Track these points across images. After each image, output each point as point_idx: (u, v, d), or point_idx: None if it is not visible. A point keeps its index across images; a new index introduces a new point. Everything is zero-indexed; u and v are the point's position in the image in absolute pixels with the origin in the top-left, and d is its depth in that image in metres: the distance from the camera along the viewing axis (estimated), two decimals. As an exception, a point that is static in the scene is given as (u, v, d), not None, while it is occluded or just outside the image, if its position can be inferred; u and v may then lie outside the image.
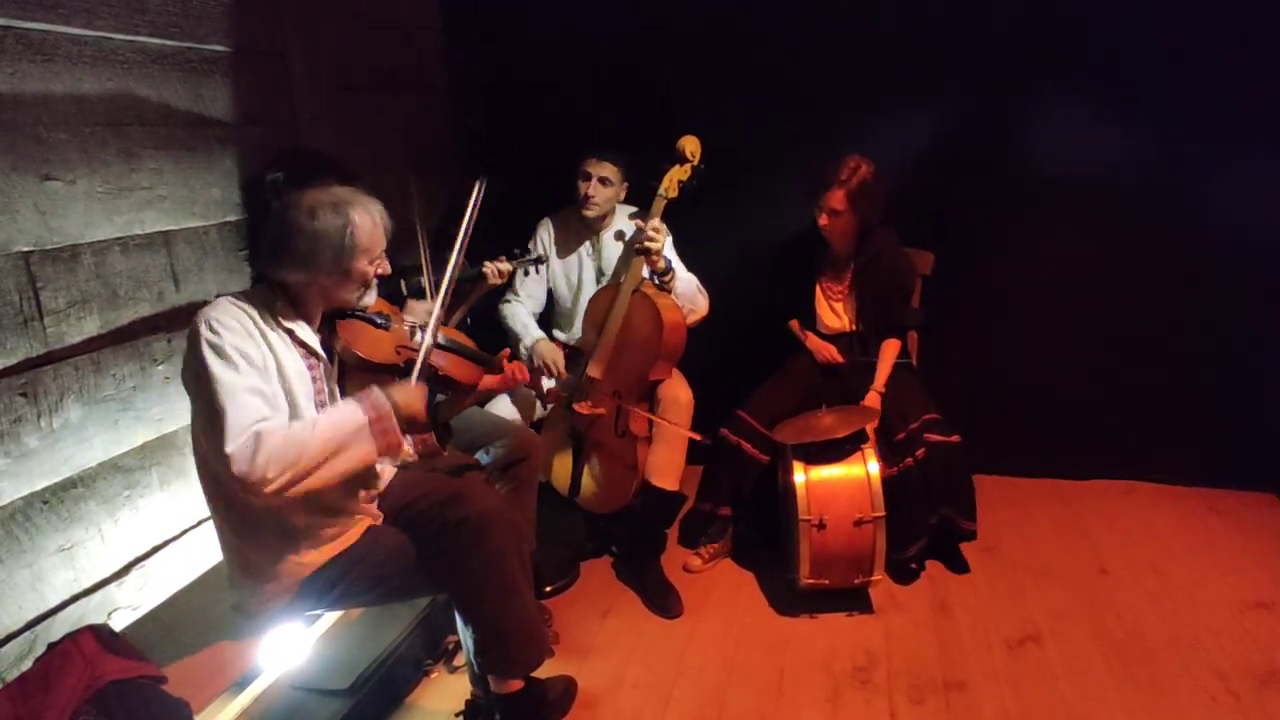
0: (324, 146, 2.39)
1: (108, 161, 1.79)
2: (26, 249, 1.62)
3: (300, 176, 1.89)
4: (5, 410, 1.59)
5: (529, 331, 2.68)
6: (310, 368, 1.66)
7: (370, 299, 1.73)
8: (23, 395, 1.62)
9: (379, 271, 1.68)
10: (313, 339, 1.67)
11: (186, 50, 1.99)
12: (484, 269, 2.44)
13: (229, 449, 1.43)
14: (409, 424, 1.63)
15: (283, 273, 1.61)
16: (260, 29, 2.23)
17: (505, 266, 2.48)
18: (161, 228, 1.93)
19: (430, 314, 1.75)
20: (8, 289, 1.59)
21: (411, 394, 1.65)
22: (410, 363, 1.76)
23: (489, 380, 1.98)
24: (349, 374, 1.77)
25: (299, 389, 1.61)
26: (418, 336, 1.82)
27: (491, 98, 3.22)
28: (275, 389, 1.57)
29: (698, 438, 2.46)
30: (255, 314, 1.58)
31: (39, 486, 1.66)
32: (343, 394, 1.75)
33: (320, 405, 1.66)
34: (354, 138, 2.63)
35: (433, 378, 1.78)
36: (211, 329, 1.50)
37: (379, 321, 1.76)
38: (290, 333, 1.63)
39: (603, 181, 2.57)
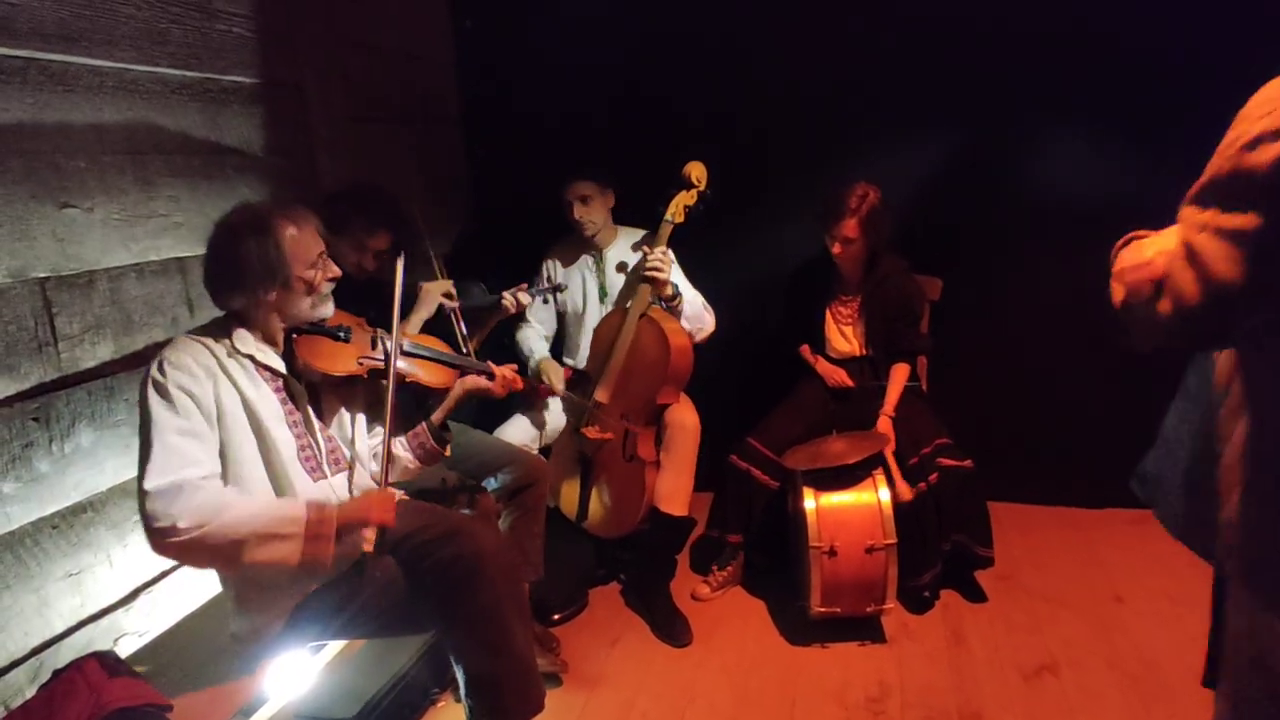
0: (345, 178, 2.45)
1: (125, 189, 1.82)
2: (43, 275, 1.64)
3: (366, 208, 2.10)
4: (17, 435, 1.60)
5: (534, 353, 2.73)
6: (276, 390, 1.65)
7: (328, 310, 1.71)
8: (35, 420, 1.63)
9: (328, 276, 1.67)
10: (274, 359, 1.66)
11: (205, 81, 2.03)
12: (501, 298, 2.47)
13: (148, 485, 1.43)
14: (361, 526, 1.62)
15: (224, 300, 1.63)
16: (277, 61, 2.28)
17: (524, 297, 2.51)
18: (177, 254, 1.96)
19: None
20: (23, 314, 1.61)
21: (370, 500, 1.64)
22: (374, 372, 1.77)
23: (475, 381, 1.93)
24: (321, 389, 1.77)
25: (266, 413, 1.60)
26: (380, 347, 1.81)
27: (503, 128, 3.26)
28: (240, 430, 1.56)
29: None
30: (214, 347, 1.58)
31: (49, 511, 1.66)
32: (320, 410, 1.74)
33: (294, 425, 1.66)
34: (368, 167, 2.66)
35: (401, 385, 1.78)
36: (160, 369, 1.51)
37: (340, 335, 1.74)
38: (250, 357, 1.62)
39: (584, 200, 2.61)
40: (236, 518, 1.47)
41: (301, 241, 1.62)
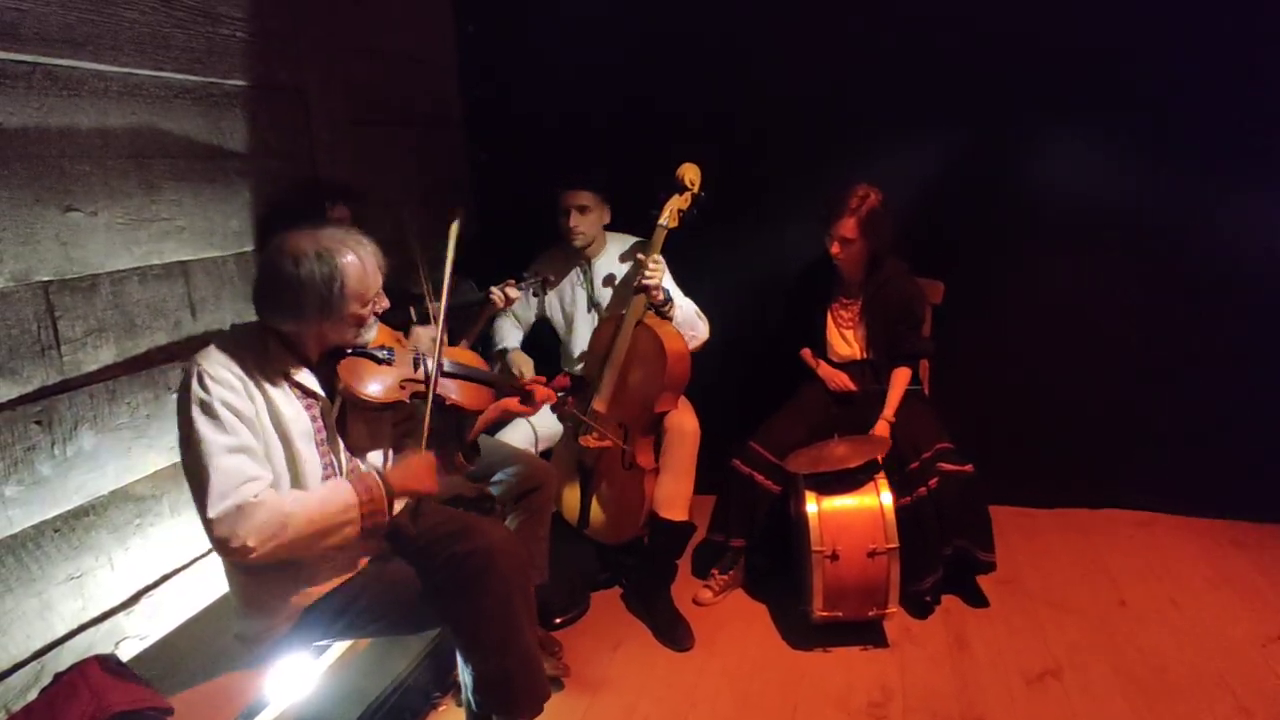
0: (343, 179, 2.44)
1: (129, 193, 1.82)
2: (46, 279, 1.65)
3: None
4: (20, 438, 1.60)
5: (505, 342, 2.71)
6: (308, 408, 1.64)
7: (371, 335, 1.70)
8: (38, 423, 1.63)
9: (377, 309, 1.66)
10: (310, 380, 1.65)
11: (208, 85, 2.04)
12: (489, 293, 2.46)
13: (211, 513, 1.44)
14: (411, 495, 1.68)
15: (273, 319, 1.61)
16: (279, 65, 2.28)
17: (514, 292, 2.50)
18: (180, 258, 1.96)
19: (433, 340, 1.75)
20: (26, 318, 1.61)
21: (414, 469, 1.66)
22: (416, 396, 1.73)
23: (513, 405, 1.92)
24: (353, 409, 1.73)
25: (296, 430, 1.60)
26: (422, 368, 1.77)
27: (503, 130, 3.27)
28: (270, 440, 1.56)
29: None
30: (249, 358, 1.57)
31: (51, 514, 1.66)
32: (347, 430, 1.73)
33: (320, 444, 1.65)
34: (370, 170, 2.67)
35: (440, 407, 1.75)
36: (202, 385, 1.50)
37: (381, 357, 1.72)
38: (285, 374, 1.61)
39: (581, 210, 2.59)
40: (300, 523, 1.51)
41: (363, 279, 1.59)
